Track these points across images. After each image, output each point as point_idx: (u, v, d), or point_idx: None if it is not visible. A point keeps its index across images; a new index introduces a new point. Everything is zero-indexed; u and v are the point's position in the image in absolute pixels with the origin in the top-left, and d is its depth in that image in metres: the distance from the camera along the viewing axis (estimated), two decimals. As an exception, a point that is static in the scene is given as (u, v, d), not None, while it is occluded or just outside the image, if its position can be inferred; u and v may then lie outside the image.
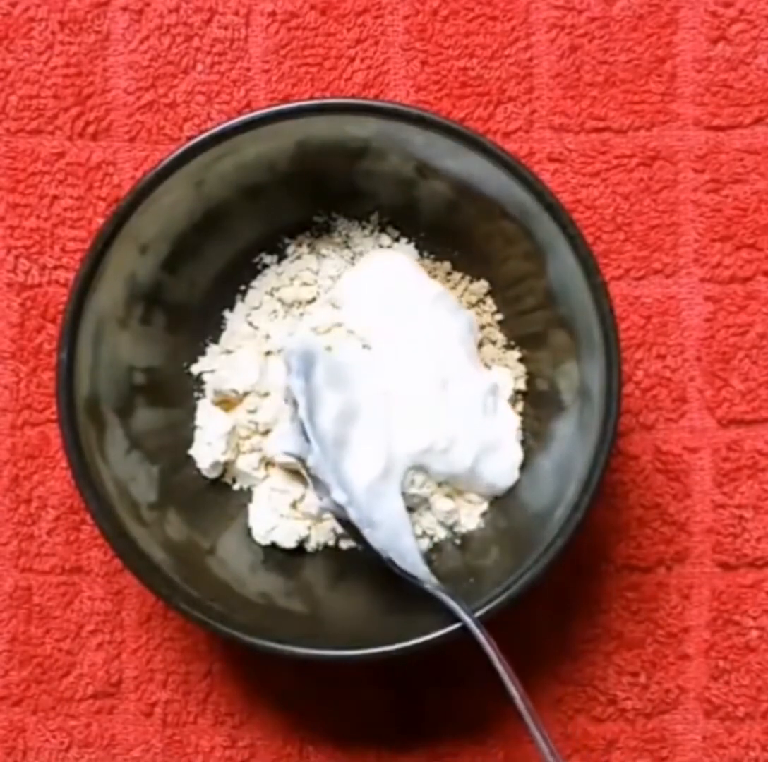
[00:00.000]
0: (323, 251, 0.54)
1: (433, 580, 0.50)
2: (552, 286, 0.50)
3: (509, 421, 0.53)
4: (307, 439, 0.48)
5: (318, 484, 0.49)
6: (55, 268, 0.57)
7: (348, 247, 0.54)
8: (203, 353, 0.54)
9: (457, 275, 0.54)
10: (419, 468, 0.52)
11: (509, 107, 0.57)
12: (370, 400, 0.51)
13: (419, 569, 0.50)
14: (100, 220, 0.56)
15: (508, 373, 0.53)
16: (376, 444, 0.50)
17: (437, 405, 0.51)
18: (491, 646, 0.47)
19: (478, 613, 0.48)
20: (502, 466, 0.52)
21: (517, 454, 0.52)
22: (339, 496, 0.48)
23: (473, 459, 0.51)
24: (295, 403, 0.48)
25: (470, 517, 0.53)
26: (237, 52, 0.57)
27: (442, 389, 0.51)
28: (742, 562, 0.56)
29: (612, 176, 0.57)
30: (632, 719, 0.56)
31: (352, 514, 0.48)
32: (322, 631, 0.49)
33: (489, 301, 0.54)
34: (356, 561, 0.52)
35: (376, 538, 0.49)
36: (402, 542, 0.50)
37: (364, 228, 0.54)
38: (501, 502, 0.53)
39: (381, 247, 0.54)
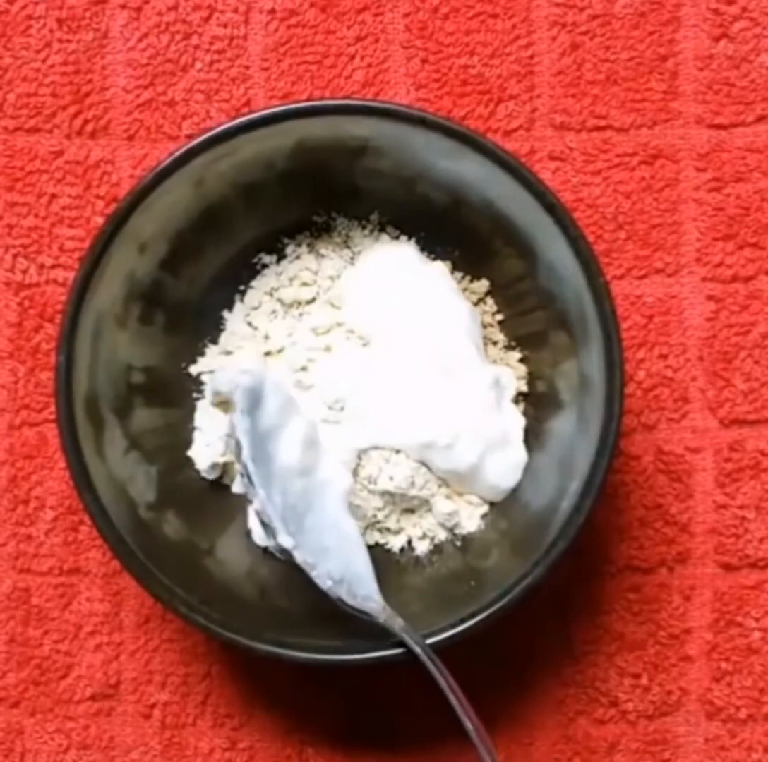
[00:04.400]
0: (323, 251, 0.54)
1: (388, 610, 0.49)
2: (552, 285, 0.50)
3: (514, 420, 0.52)
4: (251, 482, 0.48)
5: (266, 525, 0.48)
6: (54, 267, 0.56)
7: (348, 246, 0.54)
8: (202, 354, 0.54)
9: (457, 275, 0.54)
10: (421, 464, 0.51)
11: (510, 105, 0.56)
12: (321, 418, 0.51)
13: (373, 599, 0.49)
14: (99, 219, 0.56)
15: (512, 373, 0.53)
16: (334, 466, 0.50)
17: (441, 399, 0.51)
18: (444, 676, 0.47)
19: (431, 640, 0.48)
20: (506, 466, 0.52)
21: (522, 455, 0.52)
22: (285, 540, 0.48)
23: (477, 456, 0.51)
24: (239, 444, 0.48)
25: (471, 518, 0.53)
26: (236, 50, 0.57)
27: (446, 383, 0.51)
28: (744, 563, 0.56)
29: (613, 175, 0.56)
30: (634, 721, 0.56)
31: (298, 558, 0.48)
32: (322, 633, 0.49)
33: (490, 301, 0.54)
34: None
35: (328, 570, 0.48)
36: (356, 568, 0.49)
37: (364, 227, 0.54)
38: (502, 503, 0.53)
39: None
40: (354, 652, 0.48)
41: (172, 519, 0.51)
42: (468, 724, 0.46)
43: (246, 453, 0.47)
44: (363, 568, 0.50)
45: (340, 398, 0.52)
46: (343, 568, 0.49)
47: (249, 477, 0.48)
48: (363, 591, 0.49)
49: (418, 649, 0.47)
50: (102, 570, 0.56)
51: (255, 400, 0.48)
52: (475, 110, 0.56)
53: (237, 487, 0.52)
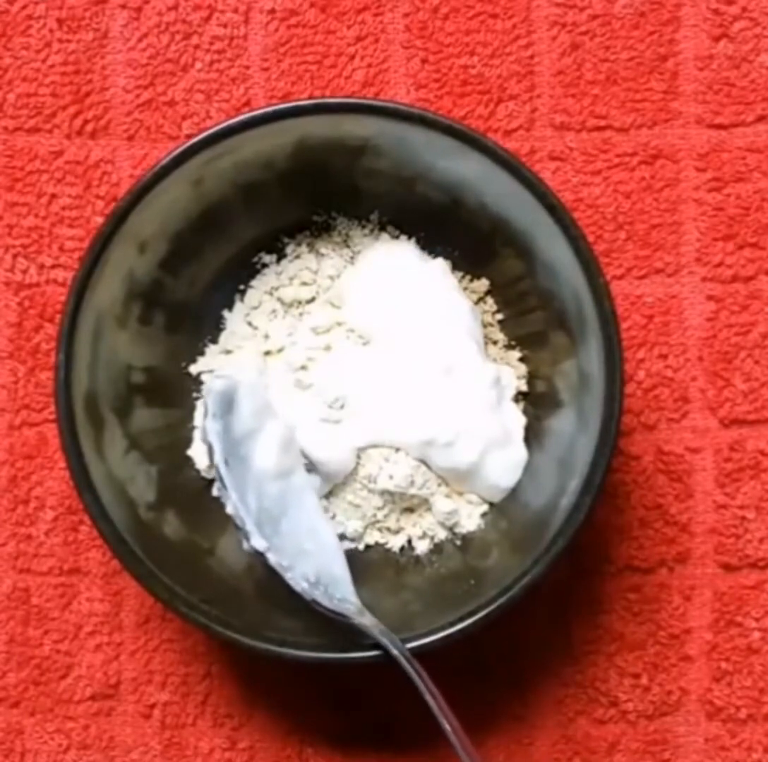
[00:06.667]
0: (323, 250, 0.54)
1: (365, 612, 0.49)
2: (551, 285, 0.50)
3: (515, 419, 0.52)
4: (224, 486, 0.48)
5: (240, 528, 0.49)
6: (54, 267, 0.56)
7: (347, 246, 0.54)
8: (202, 353, 0.54)
9: (457, 274, 0.54)
10: (421, 463, 0.51)
11: (510, 105, 0.56)
12: (321, 417, 0.51)
13: (349, 602, 0.49)
14: (99, 219, 0.56)
15: (513, 372, 0.53)
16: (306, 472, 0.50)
17: (442, 398, 0.51)
18: (421, 678, 0.47)
19: (410, 645, 0.47)
20: (506, 464, 0.52)
21: (522, 454, 0.52)
22: (258, 543, 0.48)
23: (478, 455, 0.51)
24: (211, 448, 0.48)
25: (471, 517, 0.53)
26: (236, 50, 0.57)
27: (447, 380, 0.51)
28: (744, 563, 0.56)
29: (613, 175, 0.56)
30: (634, 721, 0.56)
31: (272, 560, 0.48)
32: (322, 632, 0.49)
33: (490, 300, 0.54)
34: (357, 562, 0.52)
35: (304, 572, 0.48)
36: (333, 571, 0.50)
37: (363, 227, 0.54)
38: (502, 502, 0.53)
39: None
40: (354, 650, 0.48)
41: (172, 519, 0.51)
42: (446, 727, 0.46)
43: (218, 456, 0.48)
44: (340, 570, 0.50)
45: (339, 397, 0.52)
46: (319, 571, 0.49)
47: (221, 480, 0.48)
48: (339, 593, 0.49)
49: (395, 651, 0.47)
50: (102, 570, 0.56)
51: (227, 404, 0.48)
52: (475, 110, 0.56)
53: (215, 491, 0.53)
